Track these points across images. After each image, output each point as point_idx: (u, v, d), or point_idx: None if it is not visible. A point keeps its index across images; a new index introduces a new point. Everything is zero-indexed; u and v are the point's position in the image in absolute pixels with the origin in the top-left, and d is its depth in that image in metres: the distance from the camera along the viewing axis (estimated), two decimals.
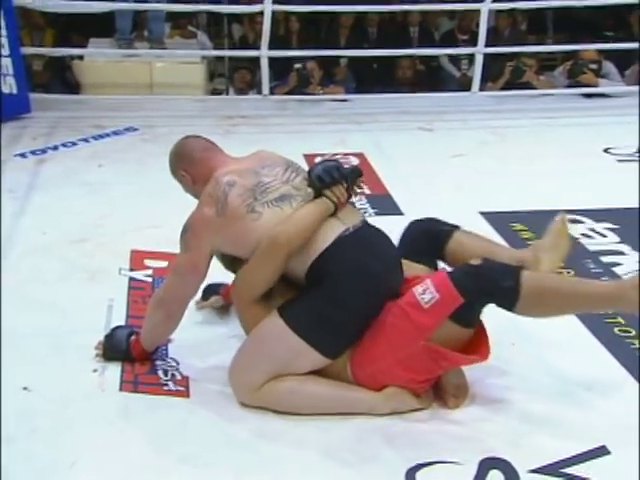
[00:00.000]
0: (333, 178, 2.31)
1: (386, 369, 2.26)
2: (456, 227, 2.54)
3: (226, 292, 2.69)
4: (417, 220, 2.61)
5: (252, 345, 2.31)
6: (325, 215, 2.29)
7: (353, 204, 2.47)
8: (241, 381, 2.30)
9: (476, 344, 2.25)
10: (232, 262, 2.42)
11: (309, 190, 2.34)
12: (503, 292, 2.15)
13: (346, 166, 2.44)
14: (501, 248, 2.62)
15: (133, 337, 2.53)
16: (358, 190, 2.45)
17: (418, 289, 2.21)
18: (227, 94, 6.50)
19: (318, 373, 2.30)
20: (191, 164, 2.46)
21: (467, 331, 2.22)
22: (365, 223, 2.38)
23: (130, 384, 2.44)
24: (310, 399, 2.28)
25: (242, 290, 2.36)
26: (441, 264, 2.55)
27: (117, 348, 2.53)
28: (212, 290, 2.77)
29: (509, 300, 2.16)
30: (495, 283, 2.14)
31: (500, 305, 2.19)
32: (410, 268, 2.40)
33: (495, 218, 3.68)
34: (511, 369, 2.53)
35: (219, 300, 2.77)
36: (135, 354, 2.52)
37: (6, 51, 5.15)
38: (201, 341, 2.66)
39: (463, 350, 2.23)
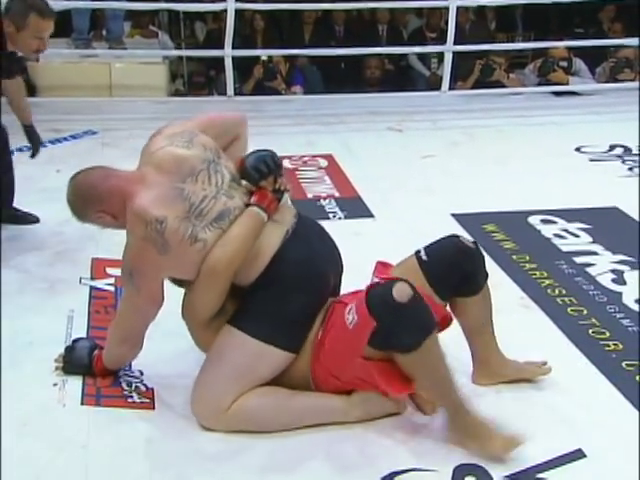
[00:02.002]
0: (269, 168, 2.24)
1: (345, 382, 2.23)
2: (485, 280, 2.39)
3: None
4: (462, 246, 2.38)
5: (212, 362, 2.24)
6: (260, 227, 2.21)
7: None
8: (207, 401, 2.21)
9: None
10: (181, 281, 2.32)
11: (244, 183, 2.25)
12: (404, 342, 2.08)
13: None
14: (492, 339, 2.44)
15: (96, 352, 2.45)
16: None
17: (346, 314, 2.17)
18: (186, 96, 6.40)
19: (283, 383, 2.25)
20: (102, 201, 2.26)
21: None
22: (298, 219, 2.31)
23: (92, 398, 2.37)
24: (281, 412, 2.22)
25: (191, 314, 2.29)
26: None
27: (79, 362, 2.45)
28: None
29: (405, 348, 2.09)
30: (404, 330, 2.07)
31: (396, 345, 2.11)
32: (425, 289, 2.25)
33: (467, 220, 3.63)
34: None
35: None
36: (97, 370, 2.44)
37: None
38: (166, 352, 2.58)
39: None
